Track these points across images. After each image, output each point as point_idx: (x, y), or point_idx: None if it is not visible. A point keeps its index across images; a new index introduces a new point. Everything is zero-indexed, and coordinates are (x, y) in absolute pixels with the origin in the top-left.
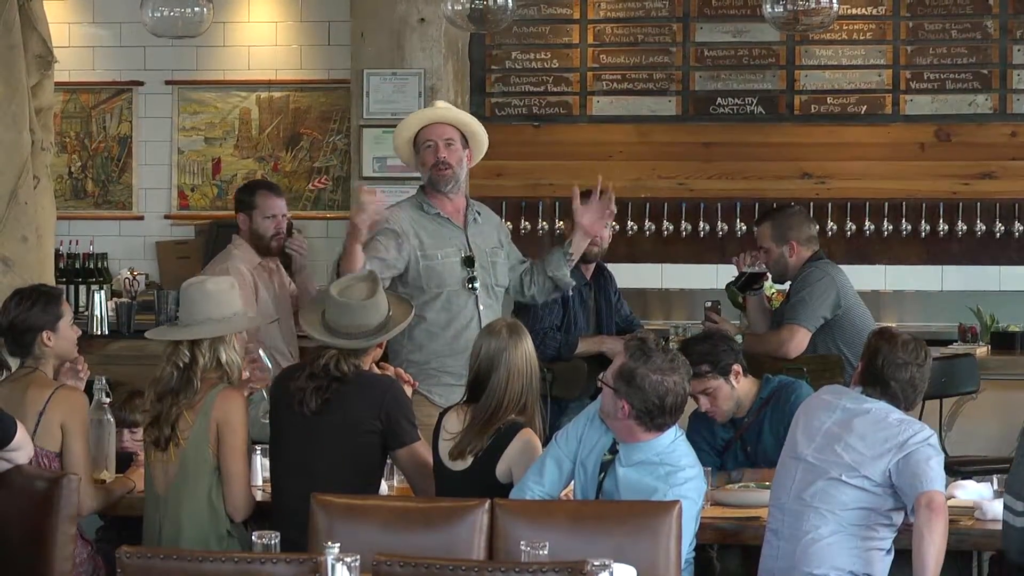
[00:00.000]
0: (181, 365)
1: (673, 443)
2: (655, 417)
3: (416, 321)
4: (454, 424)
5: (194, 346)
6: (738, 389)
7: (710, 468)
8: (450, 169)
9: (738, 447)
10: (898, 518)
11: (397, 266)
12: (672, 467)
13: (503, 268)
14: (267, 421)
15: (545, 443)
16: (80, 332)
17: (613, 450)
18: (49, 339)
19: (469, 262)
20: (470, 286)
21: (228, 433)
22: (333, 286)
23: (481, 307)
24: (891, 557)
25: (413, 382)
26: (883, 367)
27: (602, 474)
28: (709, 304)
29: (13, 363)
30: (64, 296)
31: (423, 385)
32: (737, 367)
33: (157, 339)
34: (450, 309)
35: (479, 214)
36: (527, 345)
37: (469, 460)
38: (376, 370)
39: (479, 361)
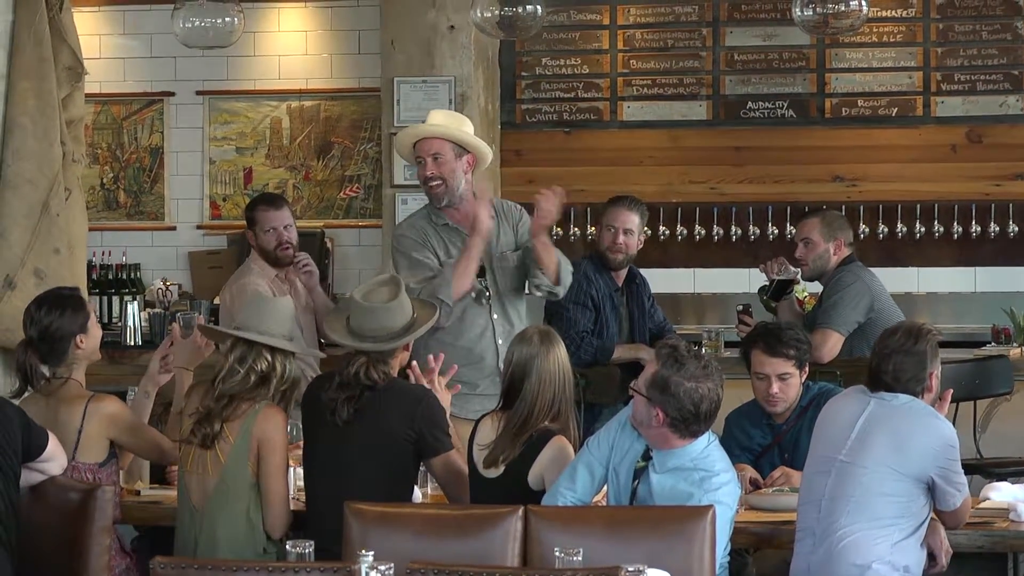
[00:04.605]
0: (260, 369)
1: (707, 448)
2: (690, 424)
3: (429, 332)
4: (488, 431)
5: (275, 354)
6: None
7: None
8: (441, 183)
9: (775, 453)
10: (930, 506)
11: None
12: (706, 472)
13: (517, 272)
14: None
15: (579, 449)
16: (101, 328)
17: (646, 456)
18: (82, 342)
19: (479, 272)
20: (485, 296)
21: (268, 451)
22: (356, 291)
23: (495, 316)
24: (926, 547)
25: (456, 386)
26: (873, 362)
27: (636, 481)
28: (741, 307)
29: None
30: (84, 295)
31: None
32: (806, 368)
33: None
34: (463, 319)
35: (496, 212)
36: (559, 352)
37: (502, 468)
38: (411, 376)
39: (511, 368)
